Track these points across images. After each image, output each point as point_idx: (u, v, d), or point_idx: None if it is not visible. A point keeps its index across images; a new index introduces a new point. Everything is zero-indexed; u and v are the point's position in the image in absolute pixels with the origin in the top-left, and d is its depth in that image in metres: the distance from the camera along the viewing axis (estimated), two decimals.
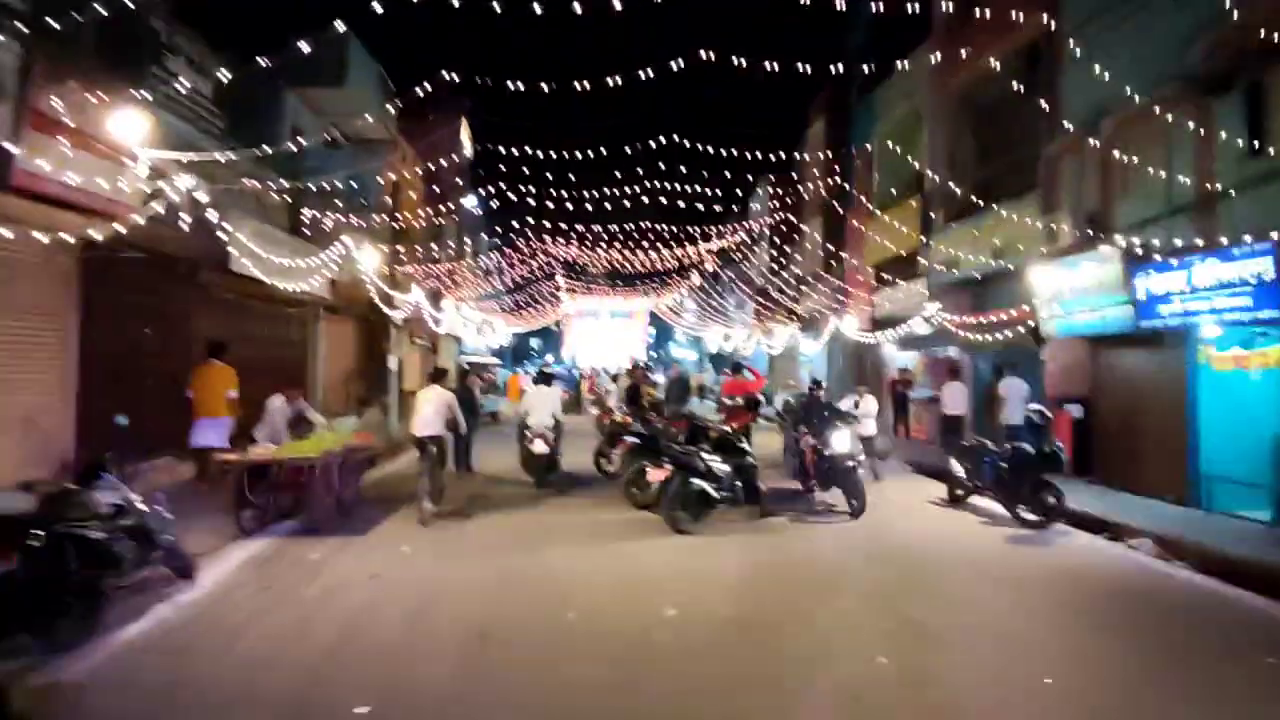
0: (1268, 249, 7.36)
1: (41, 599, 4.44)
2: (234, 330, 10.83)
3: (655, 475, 7.84)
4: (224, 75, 8.15)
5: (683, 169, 13.92)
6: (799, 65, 8.46)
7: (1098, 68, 9.29)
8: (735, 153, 11.64)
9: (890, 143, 16.20)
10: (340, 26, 6.92)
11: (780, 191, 19.87)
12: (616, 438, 10.29)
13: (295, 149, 10.15)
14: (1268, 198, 7.81)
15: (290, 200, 12.29)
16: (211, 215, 8.07)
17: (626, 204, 15.01)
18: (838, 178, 17.64)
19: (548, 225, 18.70)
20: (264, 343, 12.12)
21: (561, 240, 20.47)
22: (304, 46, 6.53)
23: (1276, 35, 7.43)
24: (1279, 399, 8.41)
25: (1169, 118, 8.79)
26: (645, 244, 20.25)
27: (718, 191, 14.58)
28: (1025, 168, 12.35)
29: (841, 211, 18.81)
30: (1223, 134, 8.14)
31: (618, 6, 5.86)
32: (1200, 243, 8.23)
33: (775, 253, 22.21)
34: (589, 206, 15.51)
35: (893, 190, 16.62)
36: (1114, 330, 9.89)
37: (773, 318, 25.01)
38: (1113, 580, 6.33)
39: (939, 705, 3.89)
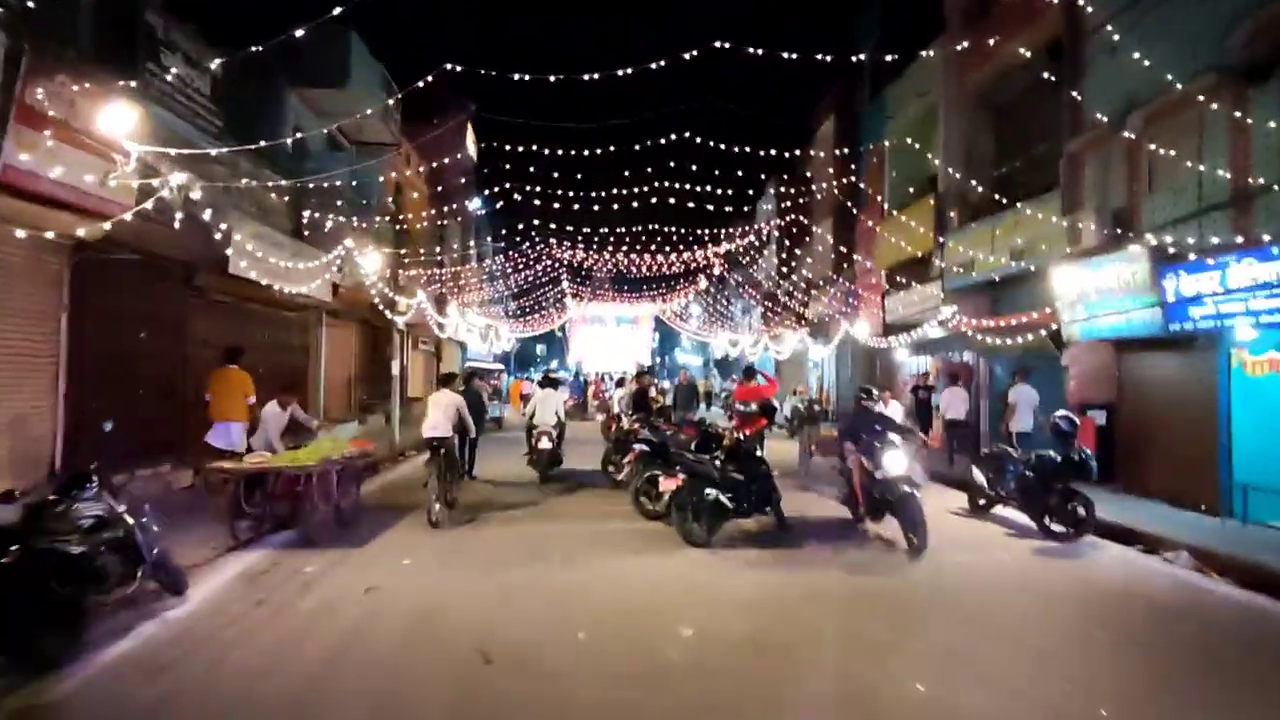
0: None
1: (19, 618, 4.19)
2: (233, 335, 10.62)
3: (667, 484, 7.56)
4: (220, 71, 7.93)
5: (693, 167, 13.68)
6: (811, 58, 8.18)
7: (1125, 59, 9.01)
8: (745, 150, 11.38)
9: (905, 140, 15.91)
10: (339, 23, 6.68)
11: (791, 191, 19.58)
12: (625, 445, 10.02)
13: (295, 149, 9.94)
14: None
15: (291, 202, 12.10)
16: (207, 215, 7.83)
17: (634, 204, 14.78)
18: (849, 178, 17.35)
19: (553, 227, 18.50)
20: (265, 348, 11.92)
21: (567, 243, 20.26)
22: (302, 40, 6.31)
23: None
24: None
25: (1203, 109, 8.50)
26: (652, 247, 20.03)
27: (726, 191, 14.33)
28: (1045, 165, 12.06)
29: (855, 211, 18.50)
30: (1267, 124, 7.82)
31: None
32: (1239, 240, 7.91)
33: (784, 255, 21.92)
34: (595, 208, 15.30)
35: (910, 189, 16.31)
36: (1140, 333, 9.57)
37: (781, 322, 24.74)
38: (1153, 597, 6.02)
39: None
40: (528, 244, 19.19)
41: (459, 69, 6.67)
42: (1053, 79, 11.05)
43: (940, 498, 10.33)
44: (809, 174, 20.31)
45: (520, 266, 21.85)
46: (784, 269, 22.96)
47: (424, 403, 15.22)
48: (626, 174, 14.13)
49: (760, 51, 7.36)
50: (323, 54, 14.05)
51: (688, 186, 13.92)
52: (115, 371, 8.59)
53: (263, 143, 7.40)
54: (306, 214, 12.03)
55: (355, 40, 15.16)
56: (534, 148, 10.87)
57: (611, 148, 10.92)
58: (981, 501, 9.18)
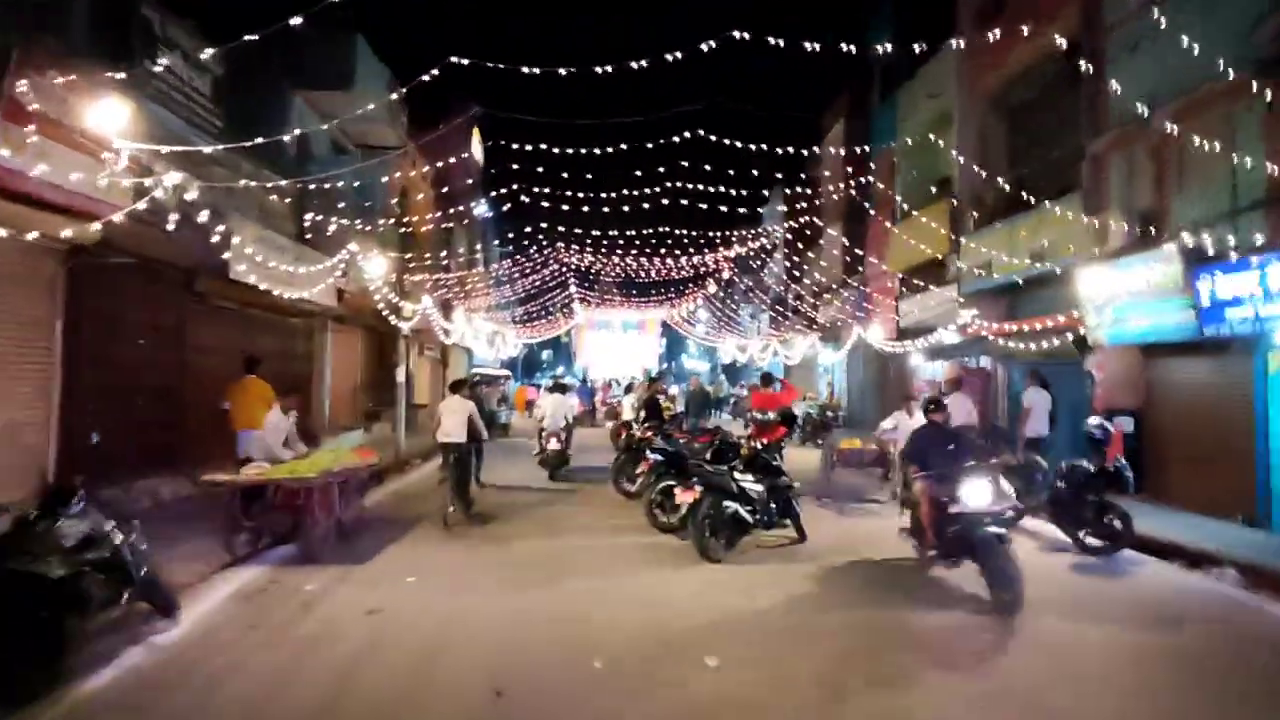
0: None
1: None
2: (234, 341, 10.33)
3: (684, 497, 7.20)
4: (221, 72, 7.62)
5: (705, 167, 13.34)
6: (821, 58, 7.78)
7: (1148, 56, 8.65)
8: (755, 148, 10.99)
9: (918, 141, 15.54)
10: (344, 26, 6.39)
11: (801, 193, 19.23)
12: (638, 454, 9.66)
13: (299, 153, 9.64)
14: None
15: (294, 205, 11.80)
16: (204, 217, 7.51)
17: (643, 205, 14.44)
18: (861, 179, 16.98)
19: (561, 230, 18.21)
20: (269, 355, 11.56)
21: (575, 246, 19.94)
22: (307, 42, 5.99)
23: None
24: None
25: (1233, 105, 8.13)
26: (661, 250, 19.68)
27: (736, 192, 13.99)
28: (1065, 165, 11.69)
29: (868, 212, 18.10)
30: None
31: None
32: None
33: (794, 259, 21.56)
34: (604, 209, 14.97)
35: (932, 188, 15.85)
36: (1172, 337, 9.20)
37: (791, 327, 24.37)
38: (1205, 619, 5.62)
39: None
40: (534, 247, 18.85)
41: (465, 61, 6.34)
42: (1070, 78, 10.68)
43: None
44: (820, 176, 19.95)
45: (527, 270, 21.52)
46: (794, 272, 22.57)
47: (430, 409, 14.86)
48: (635, 174, 13.82)
49: (779, 43, 6.99)
50: (327, 55, 13.78)
51: (697, 187, 13.56)
52: (112, 379, 8.28)
53: (260, 140, 7.06)
54: (309, 217, 11.72)
55: (360, 43, 14.87)
56: (541, 146, 10.54)
57: (621, 145, 10.58)
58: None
